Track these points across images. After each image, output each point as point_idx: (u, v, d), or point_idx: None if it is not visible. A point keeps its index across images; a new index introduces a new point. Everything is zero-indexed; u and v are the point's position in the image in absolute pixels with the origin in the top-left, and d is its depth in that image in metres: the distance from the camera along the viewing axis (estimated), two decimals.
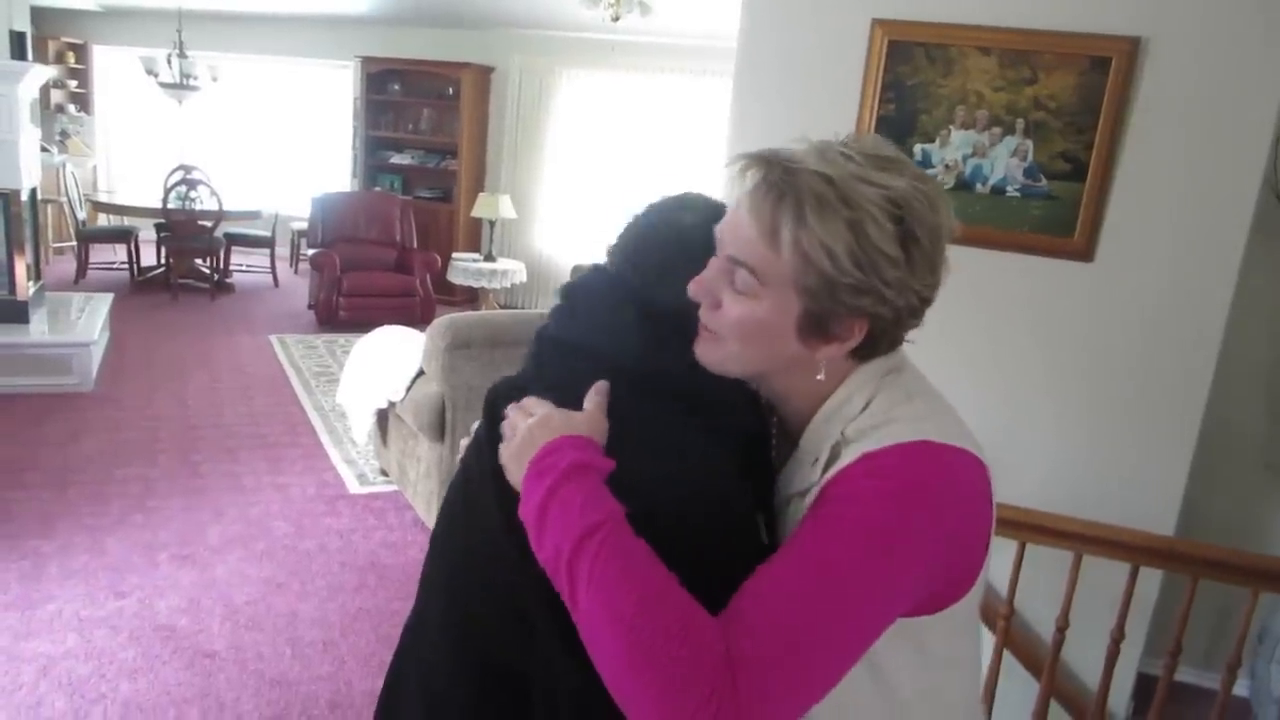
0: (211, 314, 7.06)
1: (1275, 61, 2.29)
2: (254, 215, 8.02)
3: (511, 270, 7.38)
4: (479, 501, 0.93)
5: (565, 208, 7.91)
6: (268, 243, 8.19)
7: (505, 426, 0.89)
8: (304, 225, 7.82)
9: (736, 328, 0.84)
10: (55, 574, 3.12)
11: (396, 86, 8.27)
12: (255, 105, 9.43)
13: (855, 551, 0.77)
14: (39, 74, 5.09)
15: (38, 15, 8.70)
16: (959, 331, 2.70)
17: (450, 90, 7.94)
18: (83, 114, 9.23)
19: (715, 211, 0.92)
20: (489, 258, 7.44)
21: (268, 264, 8.29)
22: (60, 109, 9.01)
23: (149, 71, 7.47)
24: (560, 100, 7.82)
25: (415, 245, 7.42)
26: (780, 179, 0.80)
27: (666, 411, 0.90)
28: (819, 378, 0.87)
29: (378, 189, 8.33)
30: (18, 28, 4.85)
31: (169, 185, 7.38)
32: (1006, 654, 2.27)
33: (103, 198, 8.53)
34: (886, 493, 0.79)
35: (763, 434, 0.97)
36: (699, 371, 0.89)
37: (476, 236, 7.88)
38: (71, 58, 9.09)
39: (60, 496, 3.72)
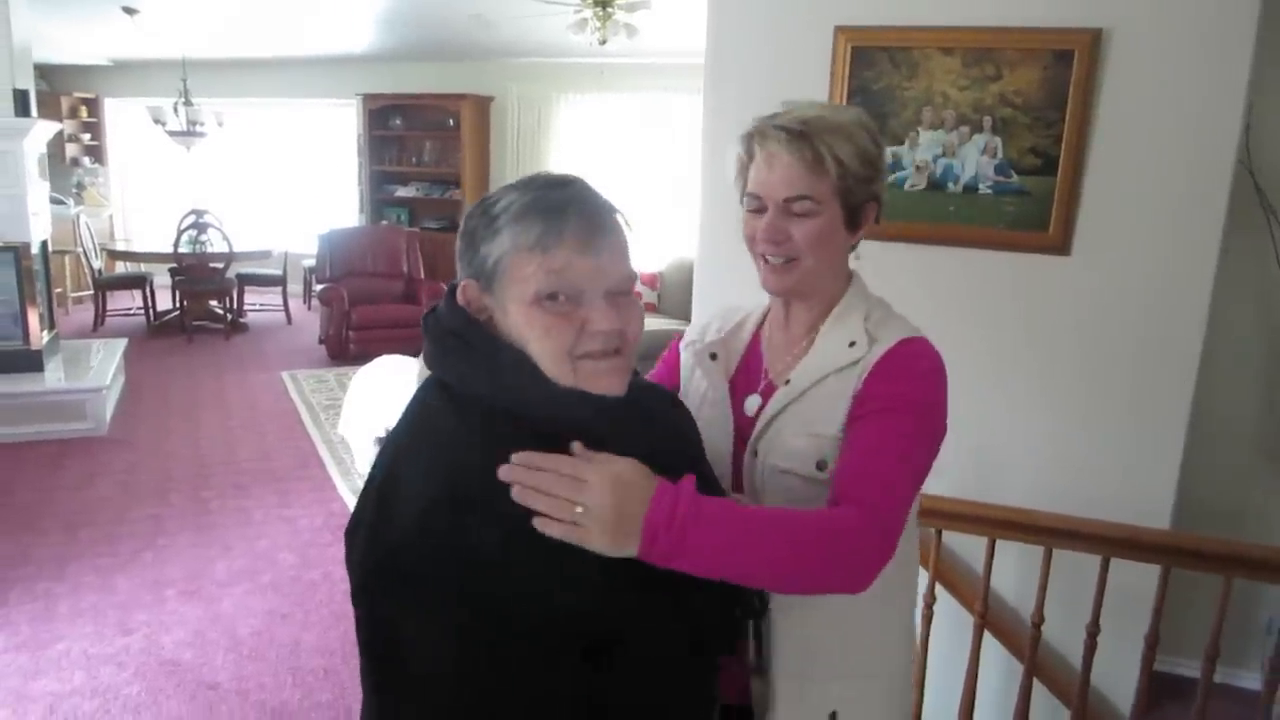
0: (225, 353, 7.17)
1: (1241, 42, 2.28)
2: (265, 255, 8.16)
3: None
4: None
5: None
6: (279, 281, 8.32)
7: (545, 504, 0.84)
8: (314, 262, 7.93)
9: (812, 241, 1.15)
10: (65, 614, 3.17)
11: (398, 121, 8.41)
12: (262, 147, 9.61)
13: (919, 419, 1.10)
14: (44, 129, 5.23)
15: (51, 72, 8.97)
16: (942, 331, 2.67)
17: (451, 121, 8.06)
18: (97, 165, 9.46)
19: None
20: None
21: (280, 302, 8.42)
22: (76, 162, 9.24)
23: (156, 120, 7.64)
24: (558, 125, 7.91)
25: (422, 276, 7.51)
26: (799, 130, 1.12)
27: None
28: (854, 260, 1.24)
29: (384, 222, 8.45)
30: (21, 85, 4.98)
31: (180, 230, 7.53)
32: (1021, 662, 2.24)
33: (120, 246, 8.73)
34: (923, 372, 1.13)
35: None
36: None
37: None
38: (84, 112, 9.32)
39: (73, 539, 3.78)
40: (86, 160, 9.35)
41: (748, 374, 1.28)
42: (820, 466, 1.13)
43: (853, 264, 1.26)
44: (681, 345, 1.40)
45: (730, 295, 2.95)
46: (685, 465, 0.96)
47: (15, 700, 2.68)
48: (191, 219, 7.64)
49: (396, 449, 0.94)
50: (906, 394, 1.11)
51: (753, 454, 1.19)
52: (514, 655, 0.83)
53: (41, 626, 3.09)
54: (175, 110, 7.65)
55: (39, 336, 5.18)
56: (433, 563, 0.83)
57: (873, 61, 2.56)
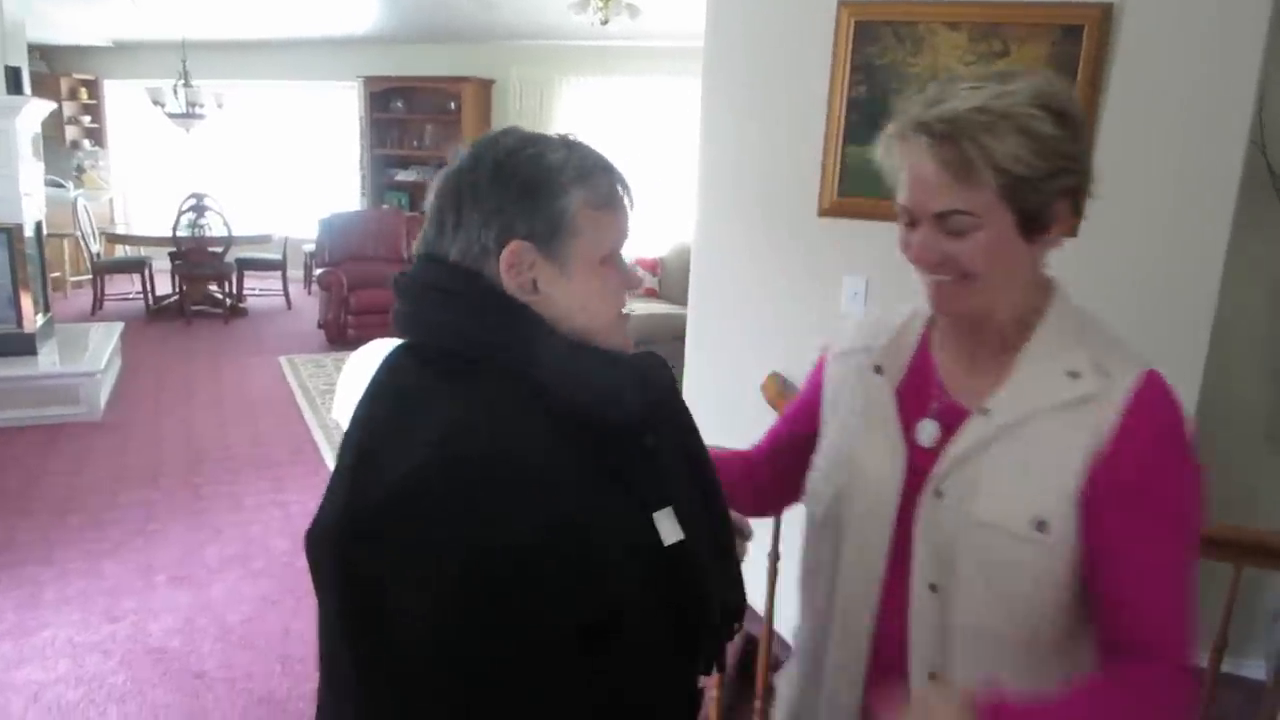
0: (224, 338, 7.12)
1: (1255, 18, 2.20)
2: (265, 239, 8.10)
3: None
4: None
5: None
6: (279, 265, 8.26)
7: None
8: (314, 247, 7.88)
9: (979, 260, 0.93)
10: (51, 600, 3.13)
11: (400, 104, 8.33)
12: (263, 130, 9.53)
13: (1196, 512, 0.95)
14: (38, 108, 5.16)
15: (50, 53, 8.90)
16: None
17: (452, 105, 7.98)
18: (97, 148, 9.40)
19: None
20: None
21: (280, 287, 8.37)
22: (75, 145, 9.18)
23: (156, 102, 7.58)
24: (560, 108, 7.82)
25: None
26: (944, 130, 0.90)
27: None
28: (1043, 269, 1.00)
29: (385, 206, 8.37)
30: (13, 63, 4.92)
31: (180, 213, 7.48)
32: None
33: (120, 229, 8.68)
34: (1185, 430, 0.95)
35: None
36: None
37: None
38: (85, 94, 9.26)
39: (61, 523, 3.74)
40: (86, 143, 9.29)
41: (916, 391, 1.06)
42: (1039, 526, 0.93)
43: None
44: (830, 355, 1.19)
45: (725, 283, 2.91)
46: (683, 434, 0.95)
47: None
48: (191, 202, 7.57)
49: (368, 427, 0.86)
50: (1182, 473, 0.94)
51: (936, 495, 0.99)
52: (511, 624, 0.77)
53: (27, 613, 3.05)
54: (174, 92, 7.58)
55: (33, 320, 5.13)
56: (428, 522, 0.76)
57: (877, 36, 2.48)
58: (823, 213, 2.67)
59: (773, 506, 1.38)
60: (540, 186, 0.85)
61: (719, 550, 0.96)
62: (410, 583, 0.76)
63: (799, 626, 1.19)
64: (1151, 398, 0.94)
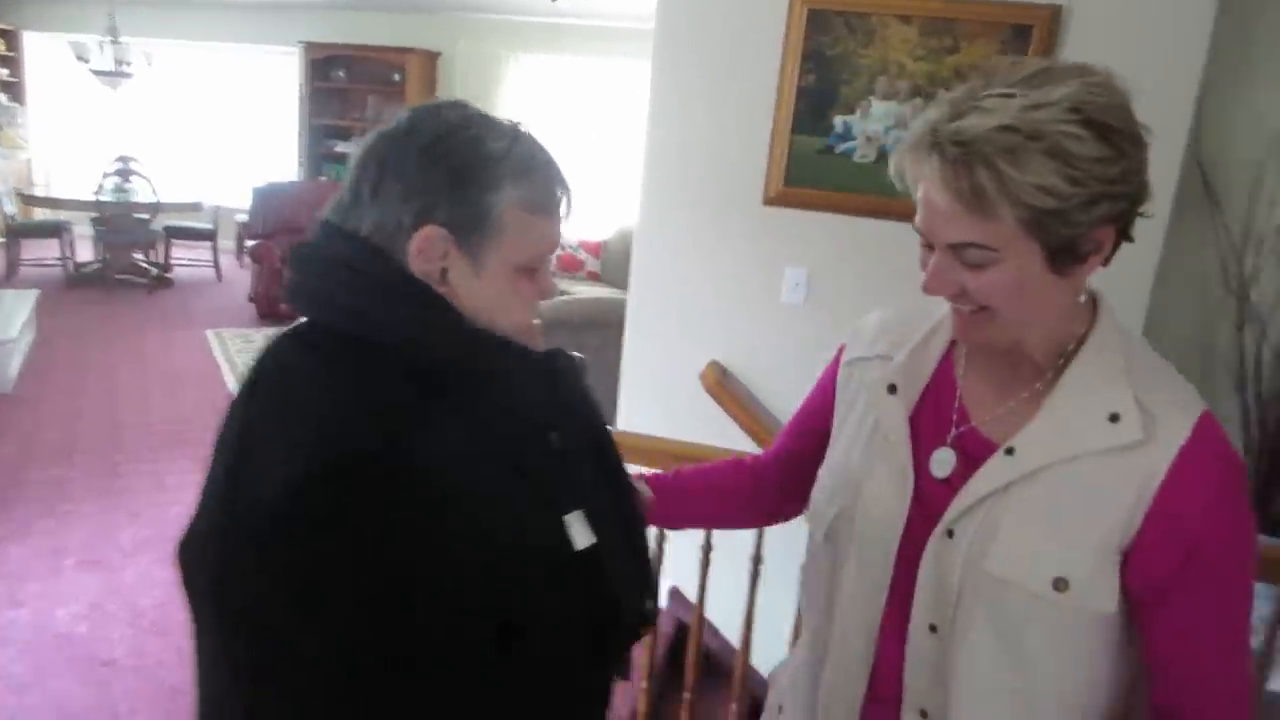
0: (148, 310, 6.83)
1: (1198, 29, 2.23)
2: (194, 207, 7.79)
3: None
4: None
5: None
6: (210, 235, 7.96)
7: None
8: (247, 217, 7.60)
9: (998, 296, 0.83)
10: None
11: (341, 73, 8.07)
12: (196, 93, 9.14)
13: (1250, 574, 0.87)
14: None
15: None
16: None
17: (396, 77, 7.77)
18: (15, 104, 8.91)
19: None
20: None
21: (210, 257, 8.06)
22: None
23: (80, 58, 7.21)
24: (508, 86, 7.66)
25: None
26: (959, 154, 0.77)
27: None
28: (1081, 299, 0.90)
29: (323, 178, 8.12)
30: None
31: (105, 176, 7.14)
32: None
33: (38, 191, 8.25)
34: (1242, 487, 0.86)
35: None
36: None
37: None
38: (1, 45, 8.76)
39: None
40: (2, 98, 8.80)
41: (934, 415, 0.96)
42: (1058, 585, 0.84)
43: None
44: (844, 360, 1.07)
45: (667, 269, 2.86)
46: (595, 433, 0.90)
47: None
48: (117, 165, 7.24)
49: (245, 422, 0.78)
50: (1237, 537, 0.85)
51: (946, 535, 0.90)
52: (412, 637, 0.71)
53: None
54: (100, 48, 7.22)
55: None
56: (314, 532, 0.69)
57: (829, 26, 2.45)
58: (768, 201, 2.64)
59: (784, 512, 1.24)
60: (472, 174, 0.78)
61: (632, 553, 0.91)
62: (296, 600, 0.69)
63: (802, 635, 1.13)
64: (1205, 449, 0.83)
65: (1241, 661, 0.88)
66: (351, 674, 0.70)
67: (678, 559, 2.08)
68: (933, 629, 0.92)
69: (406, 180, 0.78)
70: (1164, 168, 2.29)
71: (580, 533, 0.81)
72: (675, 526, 1.36)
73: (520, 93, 7.63)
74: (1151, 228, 2.28)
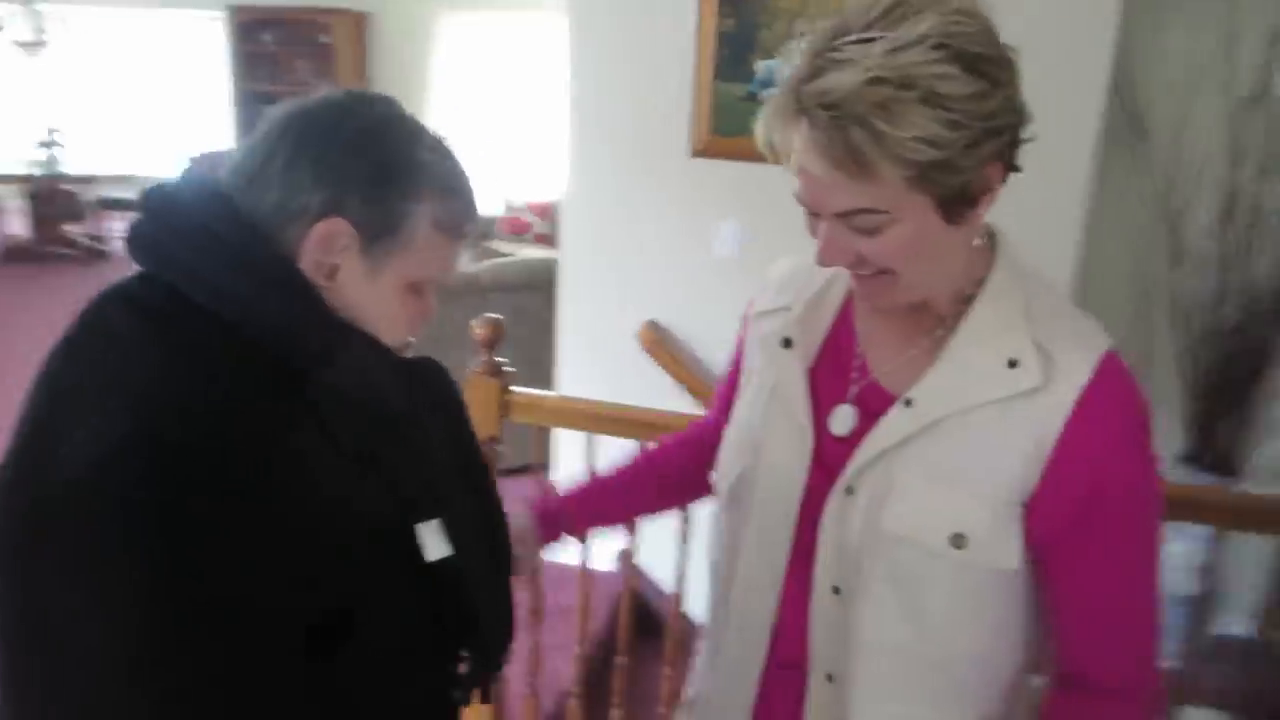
0: (84, 284, 6.56)
1: None
2: (126, 179, 7.54)
3: None
4: None
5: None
6: None
7: None
8: None
9: (898, 258, 0.78)
10: None
11: (268, 36, 7.81)
12: (122, 61, 8.79)
13: (1156, 518, 0.84)
14: None
15: None
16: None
17: (324, 39, 7.53)
18: None
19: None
20: None
21: None
22: None
23: None
24: (442, 45, 7.46)
25: None
26: (829, 118, 0.71)
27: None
28: (976, 243, 0.86)
29: None
30: None
31: (37, 148, 6.90)
32: None
33: None
34: (1145, 427, 0.83)
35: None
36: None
37: None
38: None
39: None
40: None
41: (834, 368, 0.92)
42: (956, 542, 0.81)
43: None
44: (751, 314, 1.03)
45: (597, 229, 2.80)
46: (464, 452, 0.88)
47: None
48: (43, 136, 6.98)
49: (54, 386, 0.72)
50: (1140, 482, 0.82)
51: (846, 492, 0.87)
52: (216, 636, 0.66)
53: None
54: (17, 16, 6.90)
55: None
56: (112, 516, 0.63)
57: None
58: (695, 153, 2.59)
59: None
60: (395, 178, 0.75)
61: (494, 569, 0.88)
62: (87, 589, 0.63)
63: (707, 603, 1.09)
64: (1106, 391, 0.80)
65: (1149, 616, 0.84)
66: (135, 670, 0.64)
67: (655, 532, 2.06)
68: (836, 591, 0.89)
69: (324, 166, 0.73)
70: (1086, 109, 2.28)
71: (434, 543, 0.77)
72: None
73: (453, 52, 7.43)
74: (1077, 163, 2.29)
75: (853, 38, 0.72)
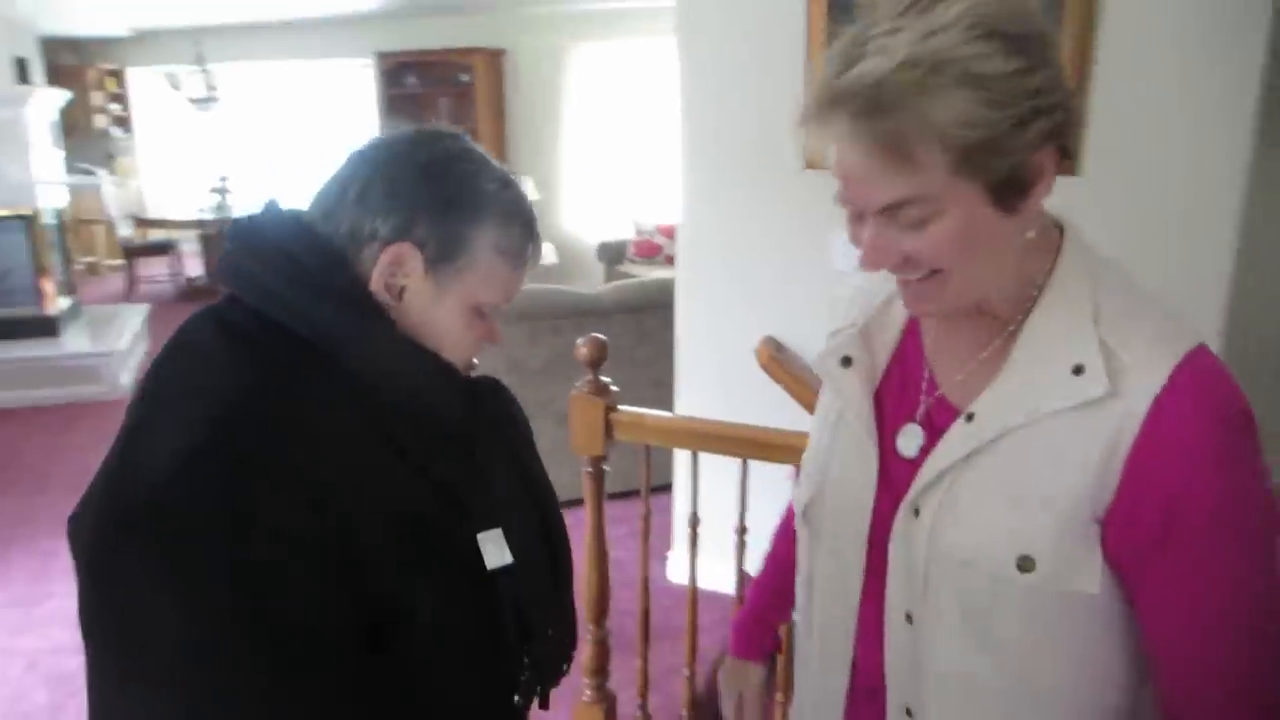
0: None
1: None
2: None
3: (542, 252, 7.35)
4: None
5: (588, 184, 7.84)
6: None
7: None
8: None
9: (947, 253, 0.74)
10: (60, 573, 3.20)
11: (413, 79, 8.30)
12: (284, 111, 9.58)
13: (1264, 528, 0.74)
14: (49, 97, 5.24)
15: (78, 45, 9.03)
16: None
17: (465, 78, 7.94)
18: (126, 136, 9.55)
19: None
20: None
21: None
22: (105, 133, 9.33)
23: (174, 87, 7.66)
24: (573, 75, 7.73)
25: None
26: (865, 107, 0.69)
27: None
28: (1030, 235, 0.78)
29: None
30: (21, 54, 4.99)
31: (210, 193, 7.61)
32: None
33: (152, 213, 8.82)
34: (1242, 429, 0.73)
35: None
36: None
37: None
38: (111, 83, 9.39)
39: (76, 499, 3.80)
40: (117, 130, 9.43)
41: (902, 385, 0.88)
42: (1024, 565, 0.75)
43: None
44: (828, 336, 0.98)
45: (714, 247, 2.82)
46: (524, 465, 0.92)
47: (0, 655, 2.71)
48: (216, 183, 7.69)
49: (149, 392, 0.79)
50: (1234, 496, 0.72)
51: (912, 514, 0.82)
52: (287, 637, 0.70)
53: (36, 585, 3.12)
54: (191, 77, 7.66)
55: (55, 302, 5.24)
56: (188, 524, 0.68)
57: None
58: (808, 166, 2.57)
59: None
60: (460, 204, 0.81)
61: (555, 582, 0.92)
62: (168, 587, 0.68)
63: (798, 627, 1.08)
64: (1186, 395, 0.72)
65: (1259, 654, 0.74)
66: (215, 660, 0.69)
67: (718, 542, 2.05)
68: (909, 619, 0.84)
69: (396, 192, 0.80)
70: (1244, 81, 2.09)
71: (495, 552, 0.81)
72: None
73: (582, 82, 7.68)
74: (1235, 147, 2.12)
75: (880, 30, 0.70)
